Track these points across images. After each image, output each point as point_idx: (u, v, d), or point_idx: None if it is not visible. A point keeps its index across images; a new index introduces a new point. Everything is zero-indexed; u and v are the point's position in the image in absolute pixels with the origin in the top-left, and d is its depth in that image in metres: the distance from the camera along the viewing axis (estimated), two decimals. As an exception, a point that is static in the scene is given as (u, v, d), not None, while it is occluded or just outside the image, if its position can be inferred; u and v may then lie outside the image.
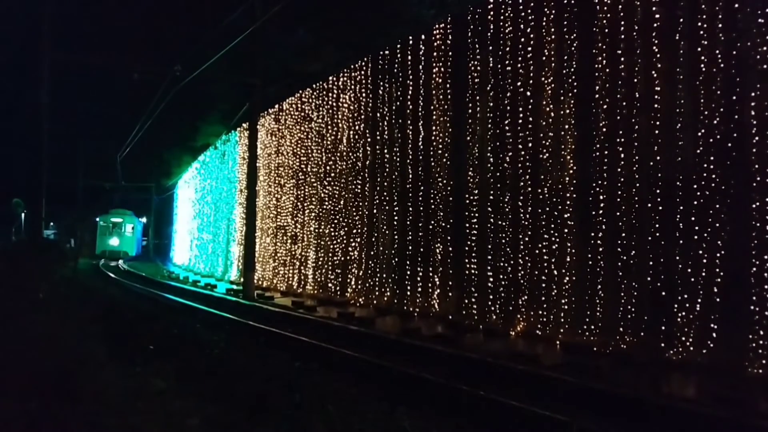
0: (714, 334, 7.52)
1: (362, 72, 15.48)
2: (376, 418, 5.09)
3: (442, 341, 9.51)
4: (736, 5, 7.63)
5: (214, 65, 16.84)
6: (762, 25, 7.36)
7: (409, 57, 13.62)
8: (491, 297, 10.94)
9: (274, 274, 20.46)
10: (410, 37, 13.64)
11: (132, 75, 20.55)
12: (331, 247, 16.64)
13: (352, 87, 15.92)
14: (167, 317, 12.44)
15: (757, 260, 7.19)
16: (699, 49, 7.95)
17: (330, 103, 17.12)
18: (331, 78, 17.09)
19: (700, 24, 7.95)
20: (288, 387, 5.90)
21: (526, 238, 10.30)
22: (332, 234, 16.63)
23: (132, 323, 10.91)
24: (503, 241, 10.78)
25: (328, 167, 17.08)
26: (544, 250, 9.94)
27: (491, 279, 10.98)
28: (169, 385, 5.78)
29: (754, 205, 7.29)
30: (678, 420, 5.38)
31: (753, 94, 7.39)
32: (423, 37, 13.21)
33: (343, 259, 16.03)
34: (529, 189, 10.31)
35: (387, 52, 14.37)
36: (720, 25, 7.77)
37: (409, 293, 13.17)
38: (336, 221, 16.51)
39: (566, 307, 9.47)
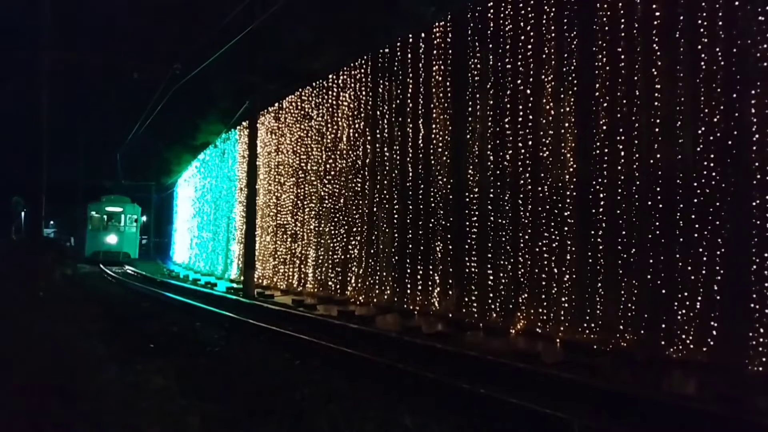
0: (714, 332, 7.52)
1: (362, 70, 15.47)
2: (377, 415, 5.10)
3: (443, 339, 9.51)
4: (736, 3, 7.61)
5: (213, 63, 16.84)
6: (762, 23, 7.35)
7: (409, 55, 13.60)
8: (491, 295, 10.94)
9: (274, 273, 20.47)
10: (410, 35, 13.62)
11: (132, 73, 20.54)
12: (331, 245, 16.64)
13: (352, 85, 15.91)
14: (167, 315, 12.45)
15: (758, 258, 7.19)
16: (699, 47, 7.95)
17: (330, 101, 17.11)
18: (331, 76, 17.08)
19: (700, 22, 7.94)
20: (289, 385, 5.91)
21: (526, 236, 10.30)
22: (332, 232, 16.63)
23: (132, 321, 10.92)
24: (503, 239, 10.77)
25: (328, 165, 17.07)
26: (544, 248, 9.94)
27: (491, 277, 10.98)
28: (170, 383, 5.78)
29: (754, 203, 7.29)
30: (678, 417, 5.38)
31: (753, 91, 7.38)
32: (423, 35, 13.19)
33: (343, 257, 16.03)
34: (529, 187, 10.30)
35: (387, 50, 14.36)
36: (720, 23, 7.76)
37: (409, 291, 13.17)
38: (336, 219, 16.51)
39: (566, 305, 9.47)
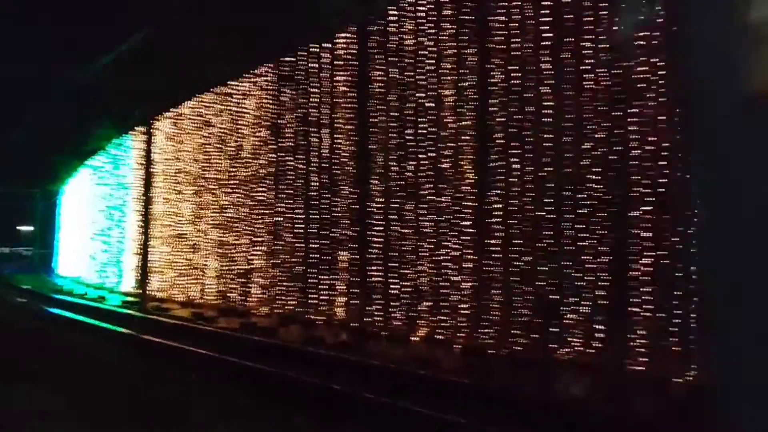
0: (598, 334, 8.07)
1: (265, 78, 15.28)
2: (276, 429, 5.07)
3: (346, 349, 9.55)
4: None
5: (108, 66, 16.12)
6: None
7: (313, 64, 13.59)
8: (394, 303, 11.11)
9: (172, 285, 19.68)
10: (314, 45, 13.60)
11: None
12: (234, 255, 16.26)
13: (255, 93, 15.67)
14: (55, 333, 11.71)
15: (631, 264, 7.78)
16: (582, 67, 8.52)
17: (232, 108, 16.76)
18: (233, 83, 16.72)
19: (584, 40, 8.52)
20: (188, 404, 5.74)
21: (429, 245, 10.54)
22: (234, 242, 16.25)
23: (15, 341, 10.21)
24: (406, 248, 10.98)
25: (230, 174, 16.68)
26: (445, 257, 10.22)
27: (394, 285, 11.14)
28: (58, 407, 5.45)
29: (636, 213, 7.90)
30: (568, 417, 5.70)
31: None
32: (327, 45, 13.22)
33: (245, 267, 15.71)
34: (432, 197, 10.58)
35: (291, 58, 14.26)
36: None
37: (313, 301, 13.11)
38: (239, 229, 16.15)
39: (466, 311, 9.79)
